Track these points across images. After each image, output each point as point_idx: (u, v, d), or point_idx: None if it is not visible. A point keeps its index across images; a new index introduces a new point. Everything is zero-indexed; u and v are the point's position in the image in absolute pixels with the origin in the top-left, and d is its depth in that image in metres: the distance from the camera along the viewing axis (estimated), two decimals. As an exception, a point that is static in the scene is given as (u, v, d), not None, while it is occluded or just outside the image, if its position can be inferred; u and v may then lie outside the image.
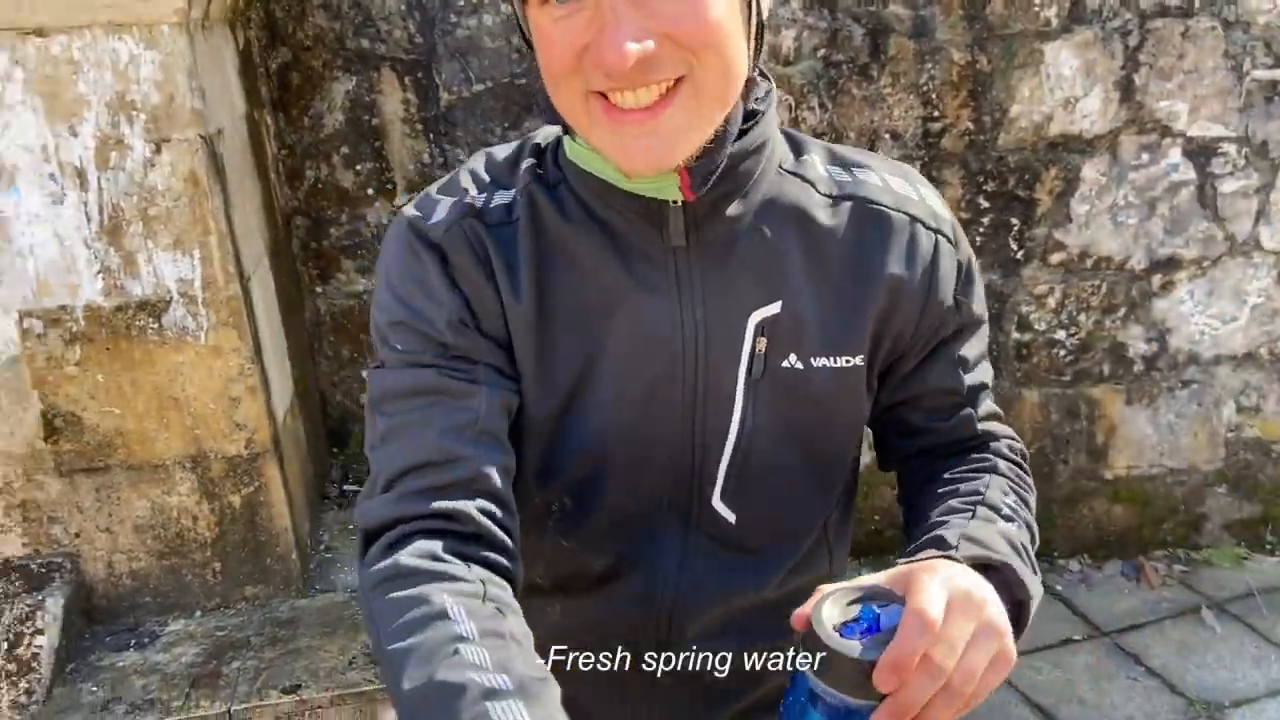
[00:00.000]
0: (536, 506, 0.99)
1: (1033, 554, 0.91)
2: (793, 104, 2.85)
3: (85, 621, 2.40)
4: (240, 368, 2.41)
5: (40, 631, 2.25)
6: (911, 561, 0.80)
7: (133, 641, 2.37)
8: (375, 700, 2.18)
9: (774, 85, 0.94)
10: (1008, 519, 0.91)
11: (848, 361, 0.95)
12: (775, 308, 0.92)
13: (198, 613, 2.49)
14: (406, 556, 0.83)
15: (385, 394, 0.93)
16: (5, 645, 2.23)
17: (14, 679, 2.18)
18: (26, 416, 2.31)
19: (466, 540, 0.86)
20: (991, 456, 1.02)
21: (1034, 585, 0.86)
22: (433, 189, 1.02)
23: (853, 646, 0.73)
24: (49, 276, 2.26)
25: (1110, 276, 3.26)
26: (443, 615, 0.77)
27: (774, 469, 0.98)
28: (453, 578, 0.81)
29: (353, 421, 3.33)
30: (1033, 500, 1.00)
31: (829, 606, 0.77)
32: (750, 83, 0.87)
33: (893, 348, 0.98)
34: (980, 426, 1.05)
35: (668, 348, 0.93)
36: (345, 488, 3.16)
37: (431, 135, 3.10)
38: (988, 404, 1.06)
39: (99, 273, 2.29)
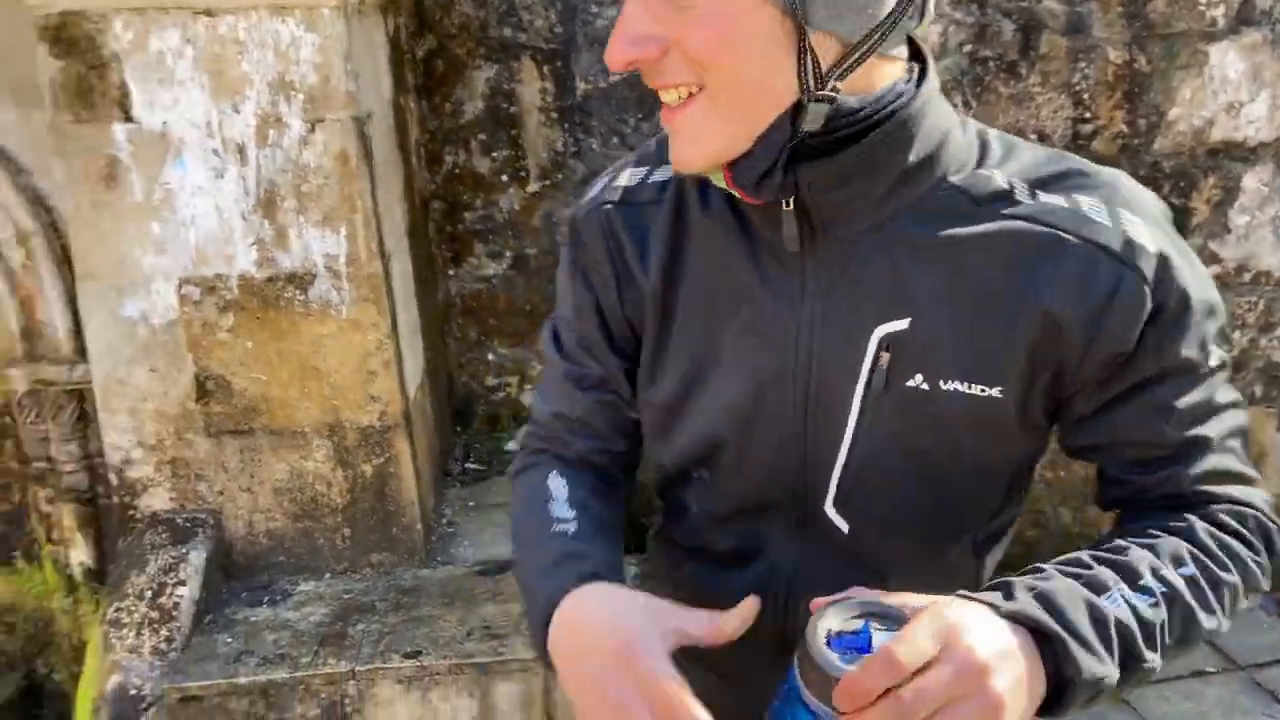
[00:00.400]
0: (677, 469, 1.04)
1: (1159, 639, 0.80)
2: (935, 101, 2.79)
3: (223, 576, 2.52)
4: (378, 342, 2.49)
5: (182, 583, 2.37)
6: (955, 596, 0.75)
7: (266, 598, 2.49)
8: (492, 672, 2.23)
9: (919, 97, 0.84)
10: (1140, 589, 0.80)
11: (983, 391, 0.88)
12: (904, 324, 0.88)
13: (327, 575, 2.59)
14: (530, 461, 1.09)
15: (543, 347, 1.10)
16: (149, 594, 2.36)
17: (156, 626, 2.31)
18: (181, 378, 2.44)
19: (582, 467, 1.06)
20: (1191, 519, 0.88)
21: (1092, 666, 0.74)
22: (615, 164, 1.08)
23: (828, 659, 0.71)
24: (207, 247, 2.38)
25: (1269, 292, 3.07)
26: (547, 492, 1.01)
27: (890, 486, 0.94)
28: (562, 475, 1.03)
29: (477, 402, 3.40)
30: (1231, 580, 0.86)
31: (834, 613, 0.75)
32: (816, 99, 0.80)
33: (1053, 385, 0.89)
34: (1195, 486, 0.90)
35: (780, 349, 0.92)
36: (468, 466, 3.23)
37: (566, 124, 3.14)
38: (1213, 461, 0.90)
39: (253, 245, 2.40)
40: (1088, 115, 2.94)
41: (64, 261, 2.51)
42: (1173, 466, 0.90)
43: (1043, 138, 2.95)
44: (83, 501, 2.60)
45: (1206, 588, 0.84)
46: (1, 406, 2.60)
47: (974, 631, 0.70)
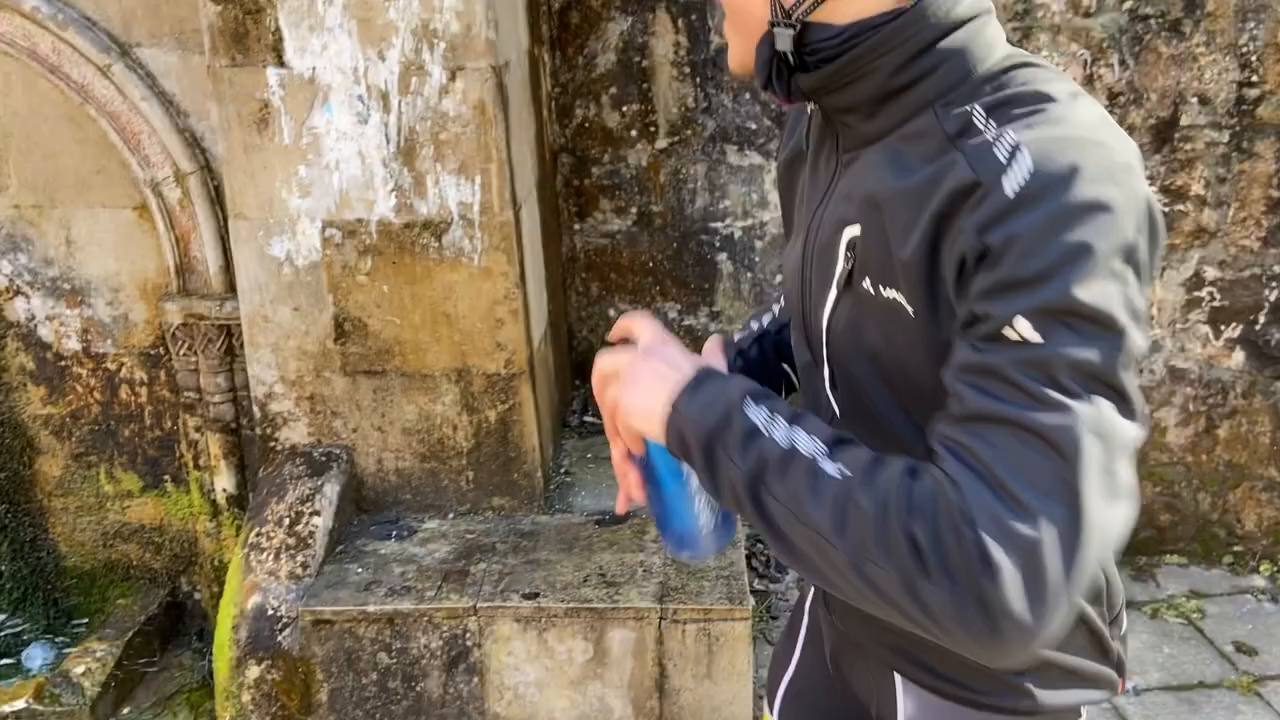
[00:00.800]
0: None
1: (769, 480, 0.85)
2: (1088, 60, 2.65)
3: (354, 509, 2.63)
4: (506, 291, 2.54)
5: (317, 513, 2.48)
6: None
7: (393, 533, 2.58)
8: (606, 618, 2.26)
9: (899, 26, 0.91)
10: (789, 436, 0.86)
11: (891, 295, 0.91)
12: (857, 229, 0.95)
13: (450, 515, 2.67)
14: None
15: None
16: (287, 521, 2.48)
17: (292, 552, 2.43)
18: (321, 318, 2.53)
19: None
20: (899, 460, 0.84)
21: (696, 429, 0.90)
22: None
23: None
24: (350, 191, 2.46)
25: None
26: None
27: (860, 386, 1.00)
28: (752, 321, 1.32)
29: (595, 356, 3.43)
30: (876, 516, 0.80)
31: None
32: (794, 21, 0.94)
33: (947, 308, 0.86)
34: (939, 433, 0.84)
35: (800, 241, 1.06)
36: (585, 419, 3.28)
37: (698, 79, 3.11)
38: (978, 403, 0.80)
39: (392, 191, 2.46)
40: (1254, 79, 2.76)
41: (216, 201, 2.63)
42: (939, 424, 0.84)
43: (1204, 102, 2.78)
44: (228, 431, 2.74)
45: (847, 500, 0.81)
46: (157, 338, 2.75)
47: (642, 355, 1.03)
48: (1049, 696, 1.05)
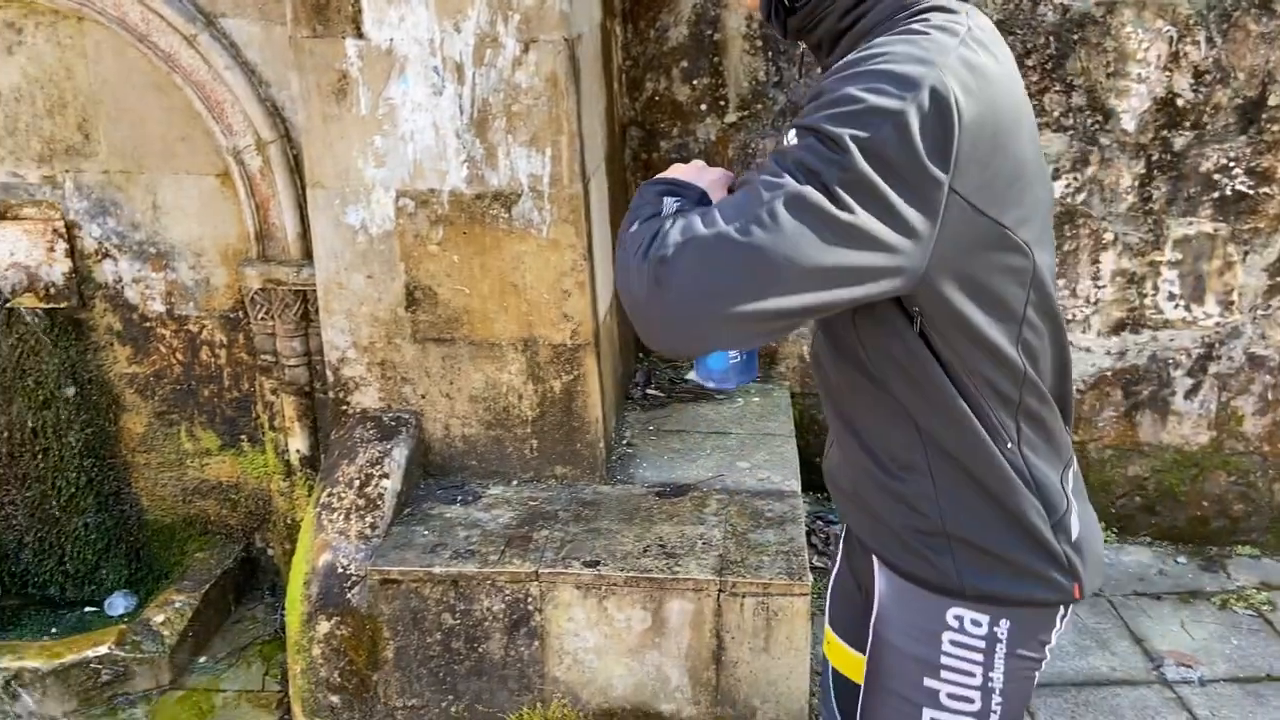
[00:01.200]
0: None
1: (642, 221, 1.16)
2: (1174, 36, 2.58)
3: (421, 473, 2.69)
4: (574, 263, 2.56)
5: (386, 476, 2.55)
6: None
7: (459, 498, 2.64)
8: (666, 588, 2.30)
9: None
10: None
11: None
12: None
13: (514, 482, 2.72)
14: None
15: None
16: (357, 483, 2.55)
17: (362, 513, 2.50)
18: (394, 286, 2.59)
19: None
20: None
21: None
22: None
23: None
24: (424, 161, 2.50)
25: None
26: None
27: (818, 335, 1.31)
28: None
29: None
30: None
31: None
32: None
33: None
34: None
35: None
36: (648, 391, 3.31)
37: (769, 53, 3.09)
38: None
39: (464, 162, 2.50)
40: (1352, 57, 2.66)
41: (295, 170, 2.70)
42: None
43: (1296, 81, 2.69)
44: (302, 394, 2.82)
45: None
46: (236, 302, 2.84)
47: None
48: (984, 582, 1.26)
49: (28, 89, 2.69)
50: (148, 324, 2.90)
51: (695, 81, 3.15)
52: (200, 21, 2.58)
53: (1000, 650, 1.31)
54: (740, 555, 2.37)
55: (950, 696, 1.32)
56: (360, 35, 2.40)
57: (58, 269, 2.81)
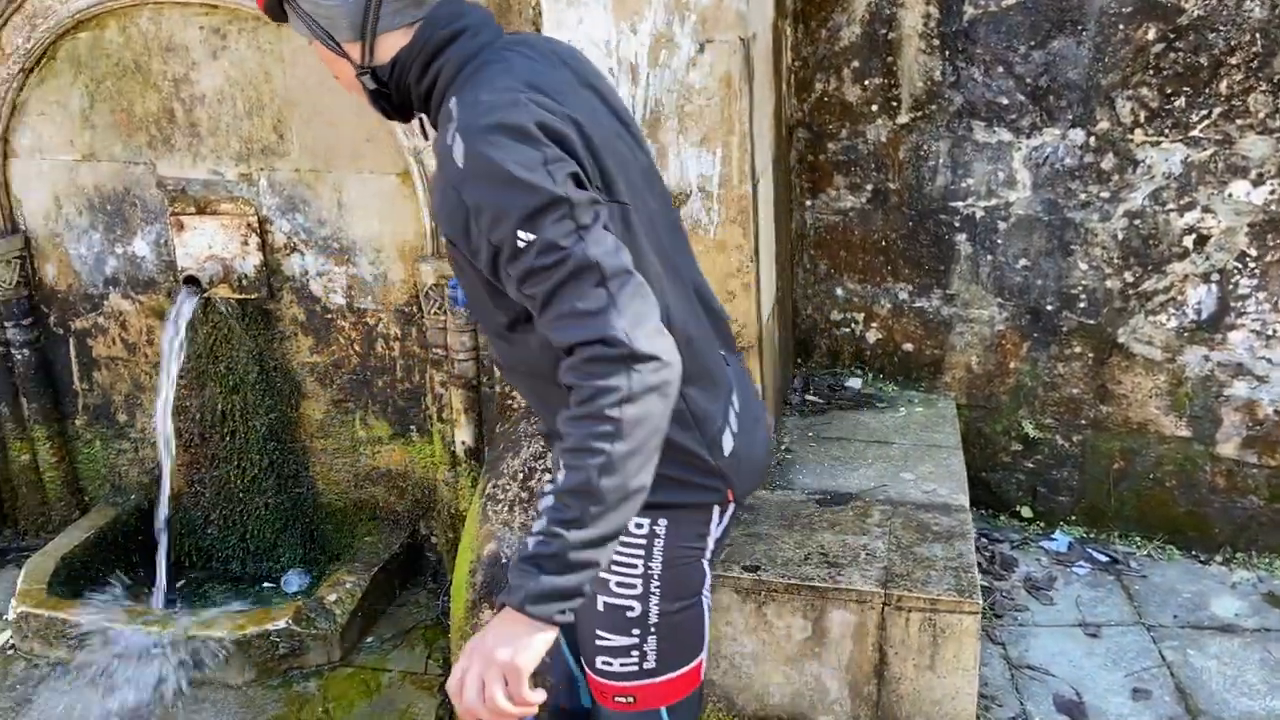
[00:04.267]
0: None
1: (583, 524, 1.25)
2: None
3: (581, 470, 2.72)
4: (740, 264, 2.54)
5: (549, 470, 2.58)
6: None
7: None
8: (827, 598, 2.24)
9: (411, 55, 1.45)
10: (553, 514, 1.28)
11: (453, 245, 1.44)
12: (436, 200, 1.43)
13: (672, 483, 2.71)
14: None
15: None
16: (521, 476, 2.59)
17: (525, 505, 2.54)
18: (561, 283, 2.62)
19: None
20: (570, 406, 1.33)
21: (536, 583, 1.26)
22: None
23: None
24: (594, 161, 2.53)
25: None
26: None
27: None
28: None
29: (819, 336, 3.39)
30: (597, 435, 1.25)
31: None
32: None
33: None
34: (554, 335, 1.38)
35: None
36: (806, 397, 3.25)
37: (947, 52, 2.99)
38: (552, 311, 1.35)
39: (634, 161, 2.51)
40: None
41: (470, 169, 2.77)
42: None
43: None
44: (469, 388, 2.90)
45: (587, 471, 1.24)
46: (411, 297, 2.94)
47: (476, 639, 1.31)
48: (660, 495, 1.42)
49: (229, 91, 2.87)
50: (329, 316, 3.04)
51: (867, 81, 3.08)
52: (388, 26, 2.68)
53: (659, 544, 1.56)
54: (906, 569, 2.29)
55: (618, 584, 1.57)
56: (539, 37, 2.45)
57: (250, 262, 2.99)
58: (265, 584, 3.25)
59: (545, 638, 1.27)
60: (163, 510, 3.02)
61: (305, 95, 2.83)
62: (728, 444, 1.55)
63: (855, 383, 3.33)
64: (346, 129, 2.83)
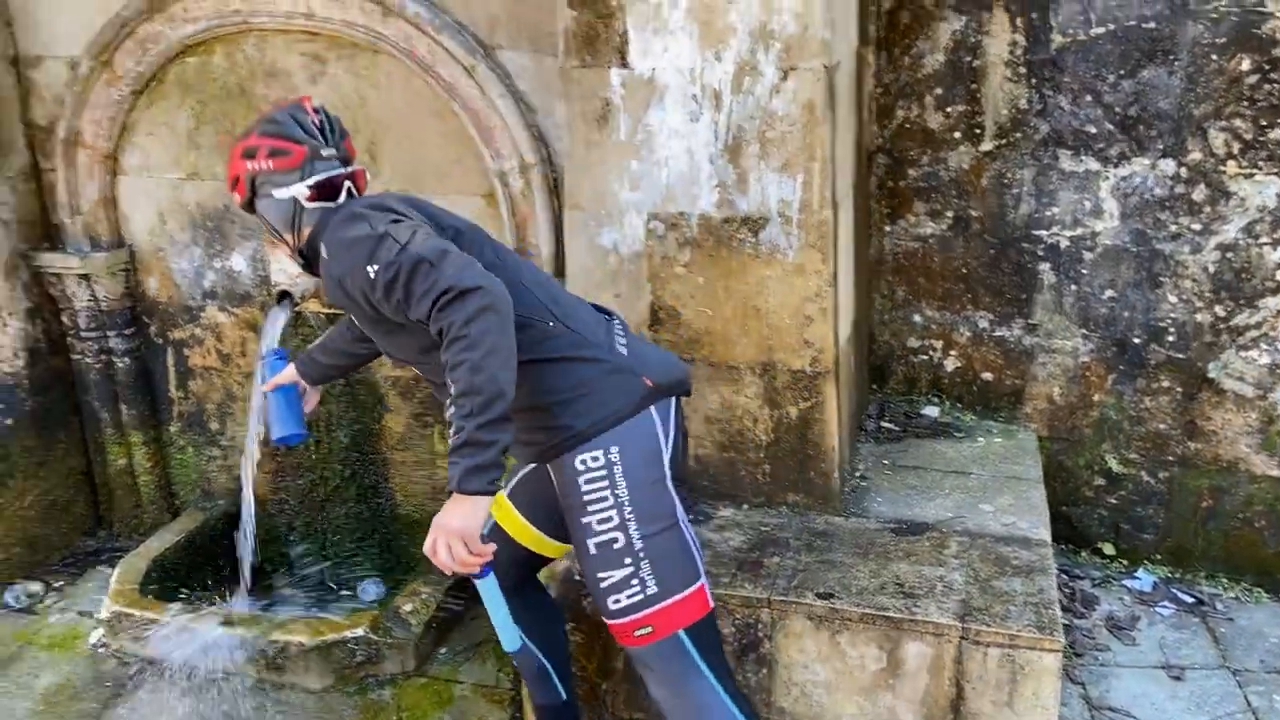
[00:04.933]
0: None
1: (476, 417, 1.64)
2: None
3: (655, 490, 2.74)
4: (818, 289, 2.54)
5: (622, 489, 2.61)
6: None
7: (690, 518, 2.66)
8: (903, 629, 2.22)
9: (320, 230, 1.95)
10: (459, 411, 1.67)
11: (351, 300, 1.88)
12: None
13: (745, 505, 2.72)
14: None
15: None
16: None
17: (598, 523, 2.56)
18: (639, 305, 2.66)
19: None
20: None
21: (461, 467, 1.65)
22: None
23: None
24: (676, 186, 2.56)
25: None
26: None
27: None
28: None
29: (895, 362, 3.37)
30: (466, 348, 1.67)
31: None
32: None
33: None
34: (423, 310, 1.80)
35: None
36: (882, 424, 3.22)
37: (1034, 80, 2.96)
38: (417, 289, 1.76)
39: (716, 187, 2.54)
40: None
41: (554, 192, 2.83)
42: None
43: None
44: (547, 405, 2.95)
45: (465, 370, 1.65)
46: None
47: (437, 517, 1.71)
48: (595, 416, 1.86)
49: (326, 115, 2.98)
50: (412, 332, 3.12)
51: (949, 108, 3.07)
52: (479, 53, 2.77)
53: (618, 470, 1.83)
54: (984, 602, 2.26)
55: (598, 522, 1.84)
56: (625, 65, 2.50)
57: (339, 278, 3.08)
58: (343, 592, 3.34)
59: (483, 505, 1.68)
60: (249, 513, 3.11)
61: (396, 119, 2.92)
62: (621, 349, 1.93)
63: (932, 411, 3.29)
64: (434, 151, 2.92)
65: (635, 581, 1.85)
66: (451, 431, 1.66)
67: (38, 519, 3.38)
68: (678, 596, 1.86)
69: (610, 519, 1.84)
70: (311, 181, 1.93)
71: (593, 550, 1.86)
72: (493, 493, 1.68)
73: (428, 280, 1.67)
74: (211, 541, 3.36)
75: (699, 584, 1.90)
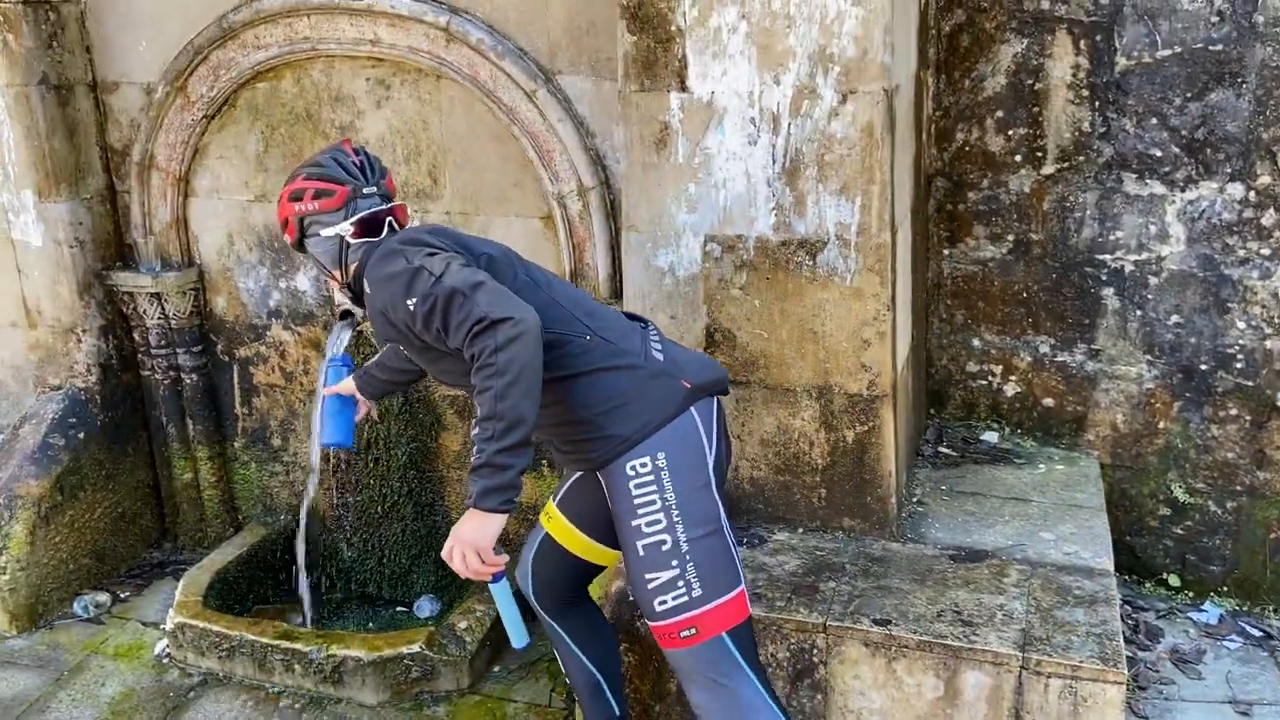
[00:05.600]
0: None
1: (496, 441, 1.77)
2: None
3: (709, 512, 2.73)
4: (876, 313, 2.53)
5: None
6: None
7: (745, 540, 2.66)
8: (962, 657, 2.19)
9: (363, 264, 2.06)
10: (480, 436, 1.80)
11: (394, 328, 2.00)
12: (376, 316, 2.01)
13: (800, 529, 2.70)
14: None
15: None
16: (649, 515, 2.63)
17: (652, 545, 2.57)
18: (695, 326, 2.67)
19: None
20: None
21: (479, 486, 1.80)
22: None
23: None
24: (733, 208, 2.57)
25: None
26: None
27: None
28: None
29: (954, 387, 3.33)
30: (490, 380, 1.78)
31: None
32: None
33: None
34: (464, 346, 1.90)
35: None
36: (939, 449, 3.19)
37: (1097, 102, 2.92)
38: (455, 320, 1.86)
39: (773, 209, 2.54)
40: None
41: (611, 214, 2.86)
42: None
43: None
44: (602, 426, 2.96)
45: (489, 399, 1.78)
46: (548, 335, 3.04)
47: (456, 527, 1.86)
48: (641, 421, 1.94)
49: (390, 138, 3.05)
50: (470, 352, 3.16)
51: (1010, 132, 3.04)
52: (540, 78, 2.81)
53: (665, 476, 1.91)
54: (1045, 632, 2.22)
55: (646, 524, 1.90)
56: (684, 89, 2.52)
57: (400, 298, 3.14)
58: (398, 608, 3.37)
59: (497, 521, 1.81)
60: (303, 532, 3.17)
61: (457, 143, 2.98)
62: (657, 355, 2.01)
63: (991, 436, 3.25)
64: (494, 174, 2.97)
65: (681, 584, 1.91)
66: (474, 451, 1.78)
67: (106, 531, 3.48)
68: (721, 600, 1.92)
69: (659, 521, 1.90)
70: (355, 219, 2.05)
71: (641, 552, 1.92)
72: (506, 511, 1.80)
73: (463, 311, 1.77)
74: (273, 555, 3.42)
75: (740, 589, 1.96)
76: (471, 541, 1.81)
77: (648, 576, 1.92)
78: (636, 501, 1.91)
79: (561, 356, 1.92)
